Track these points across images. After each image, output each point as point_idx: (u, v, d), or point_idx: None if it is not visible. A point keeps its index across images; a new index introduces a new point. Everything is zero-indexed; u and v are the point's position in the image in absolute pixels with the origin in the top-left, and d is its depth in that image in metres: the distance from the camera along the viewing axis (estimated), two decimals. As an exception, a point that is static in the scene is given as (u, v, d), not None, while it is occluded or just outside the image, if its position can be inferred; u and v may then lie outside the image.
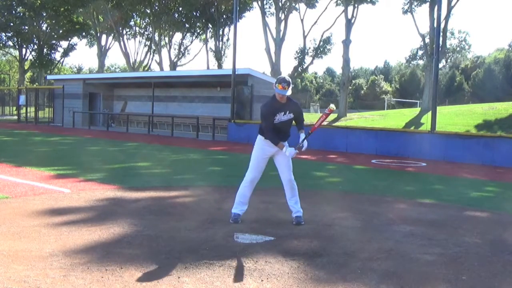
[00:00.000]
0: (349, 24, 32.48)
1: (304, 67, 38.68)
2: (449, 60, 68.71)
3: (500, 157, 13.20)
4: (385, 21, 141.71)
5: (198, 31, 44.21)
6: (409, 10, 33.97)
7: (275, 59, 34.50)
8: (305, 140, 5.19)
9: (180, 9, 41.27)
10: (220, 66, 39.98)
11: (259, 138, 5.33)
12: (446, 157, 14.06)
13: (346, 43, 32.46)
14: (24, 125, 28.87)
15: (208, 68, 40.44)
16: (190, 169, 10.78)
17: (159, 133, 24.02)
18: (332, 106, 5.38)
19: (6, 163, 10.06)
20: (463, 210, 6.71)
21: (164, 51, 43.67)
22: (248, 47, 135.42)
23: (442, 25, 27.63)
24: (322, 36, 36.26)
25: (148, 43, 45.36)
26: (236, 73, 19.56)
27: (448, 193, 8.27)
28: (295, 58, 37.27)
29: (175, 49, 44.94)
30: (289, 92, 5.04)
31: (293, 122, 5.35)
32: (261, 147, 5.31)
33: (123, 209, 6.02)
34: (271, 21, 38.34)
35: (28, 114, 31.88)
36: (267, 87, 20.62)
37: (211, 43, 42.51)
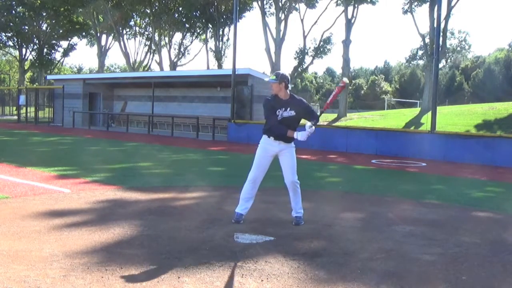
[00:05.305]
0: (349, 24, 32.47)
1: (304, 67, 38.66)
2: (449, 60, 68.67)
3: (500, 157, 13.20)
4: (385, 21, 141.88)
5: (198, 31, 44.20)
6: (409, 10, 33.95)
7: (275, 59, 34.49)
8: (314, 123, 5.12)
9: (180, 9, 41.27)
10: (220, 66, 39.96)
11: (263, 138, 5.32)
12: (446, 157, 14.06)
13: (346, 43, 32.45)
14: (24, 125, 28.86)
15: (208, 68, 40.43)
16: (190, 169, 10.78)
17: (159, 133, 24.03)
18: (345, 79, 5.35)
19: (6, 163, 10.06)
20: (463, 210, 6.70)
21: (164, 51, 43.72)
22: (248, 47, 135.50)
23: (442, 25, 27.62)
24: (322, 36, 36.27)
25: (148, 43, 45.38)
26: (236, 73, 19.56)
27: (448, 193, 8.27)
28: (295, 58, 37.27)
29: (175, 49, 44.99)
30: (275, 82, 5.09)
31: (303, 120, 5.30)
32: (264, 146, 5.30)
33: (123, 209, 6.02)
34: (271, 21, 38.33)
35: (28, 114, 31.87)
36: (267, 87, 20.47)
37: (211, 43, 42.56)
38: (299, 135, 5.09)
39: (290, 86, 5.17)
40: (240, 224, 5.25)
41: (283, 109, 5.16)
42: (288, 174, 5.28)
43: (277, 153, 5.27)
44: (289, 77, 5.25)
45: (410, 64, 58.97)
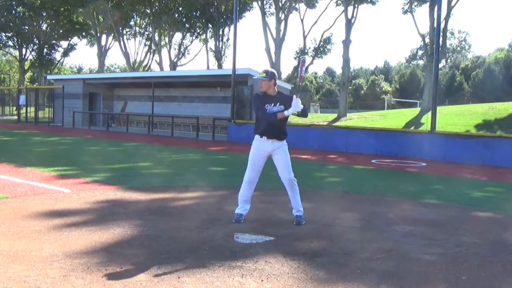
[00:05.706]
0: (349, 24, 32.46)
1: (304, 67, 38.67)
2: (449, 60, 68.71)
3: (500, 157, 13.21)
4: (385, 21, 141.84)
5: (198, 31, 44.24)
6: (409, 10, 33.96)
7: (275, 59, 34.50)
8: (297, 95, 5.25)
9: (180, 9, 41.29)
10: (220, 66, 39.98)
11: (255, 138, 5.37)
12: (446, 157, 14.06)
13: (346, 43, 32.43)
14: (24, 125, 28.86)
15: (208, 68, 40.44)
16: (190, 169, 10.78)
17: (159, 133, 24.04)
18: (305, 57, 5.67)
19: (6, 163, 10.06)
20: (463, 210, 6.70)
21: (164, 51, 43.74)
22: (248, 47, 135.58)
23: (442, 25, 27.62)
24: (322, 36, 36.31)
25: (148, 43, 45.41)
26: (236, 73, 19.57)
27: (448, 193, 8.27)
28: (295, 58, 37.29)
29: (175, 49, 45.04)
30: (265, 80, 5.21)
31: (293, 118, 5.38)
32: (257, 147, 5.33)
33: (123, 209, 6.02)
34: (271, 21, 38.38)
35: (28, 114, 31.88)
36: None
37: (211, 43, 42.61)
38: (291, 109, 5.14)
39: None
40: (240, 224, 5.25)
41: (272, 104, 5.23)
42: (283, 172, 5.29)
43: (271, 153, 5.30)
44: (277, 75, 5.34)
45: (410, 64, 59.04)
